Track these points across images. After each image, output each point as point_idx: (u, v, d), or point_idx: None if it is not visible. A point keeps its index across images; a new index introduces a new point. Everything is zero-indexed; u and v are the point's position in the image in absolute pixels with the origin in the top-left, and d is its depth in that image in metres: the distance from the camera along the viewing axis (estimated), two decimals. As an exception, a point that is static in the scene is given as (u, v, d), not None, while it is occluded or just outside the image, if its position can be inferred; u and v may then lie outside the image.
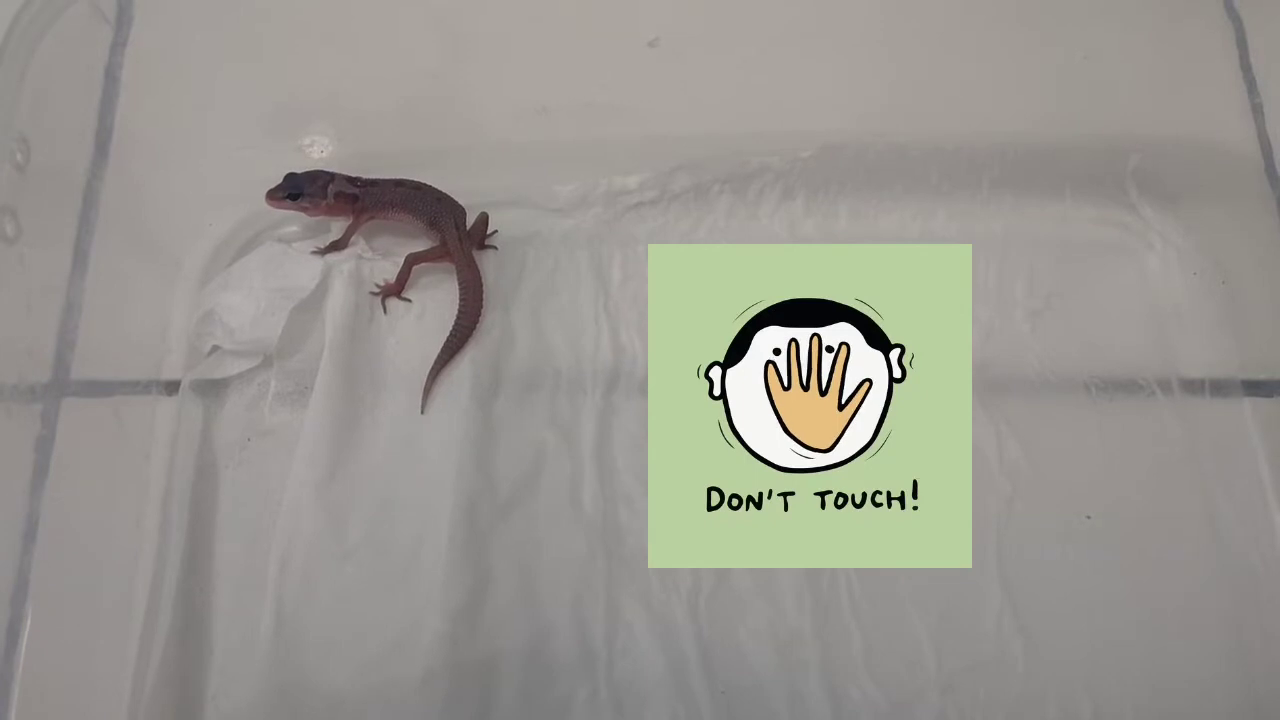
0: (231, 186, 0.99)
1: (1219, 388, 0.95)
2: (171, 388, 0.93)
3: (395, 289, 0.96)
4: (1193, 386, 0.95)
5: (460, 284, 0.94)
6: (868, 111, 1.01)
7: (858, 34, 1.05)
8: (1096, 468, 0.92)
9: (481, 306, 0.94)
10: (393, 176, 0.96)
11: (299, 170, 0.96)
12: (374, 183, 0.96)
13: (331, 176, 0.95)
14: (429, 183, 0.97)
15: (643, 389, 0.93)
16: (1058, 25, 1.05)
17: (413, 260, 0.95)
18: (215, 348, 0.94)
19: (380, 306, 0.96)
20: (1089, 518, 0.90)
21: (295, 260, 0.96)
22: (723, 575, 0.87)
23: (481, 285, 0.94)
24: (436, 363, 0.93)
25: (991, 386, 0.94)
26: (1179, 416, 0.93)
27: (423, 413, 0.92)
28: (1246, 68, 1.03)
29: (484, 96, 1.02)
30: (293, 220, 0.99)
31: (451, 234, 0.94)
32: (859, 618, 0.86)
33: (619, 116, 1.01)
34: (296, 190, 0.94)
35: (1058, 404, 0.94)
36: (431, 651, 0.83)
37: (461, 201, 0.97)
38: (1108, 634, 0.86)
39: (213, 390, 0.93)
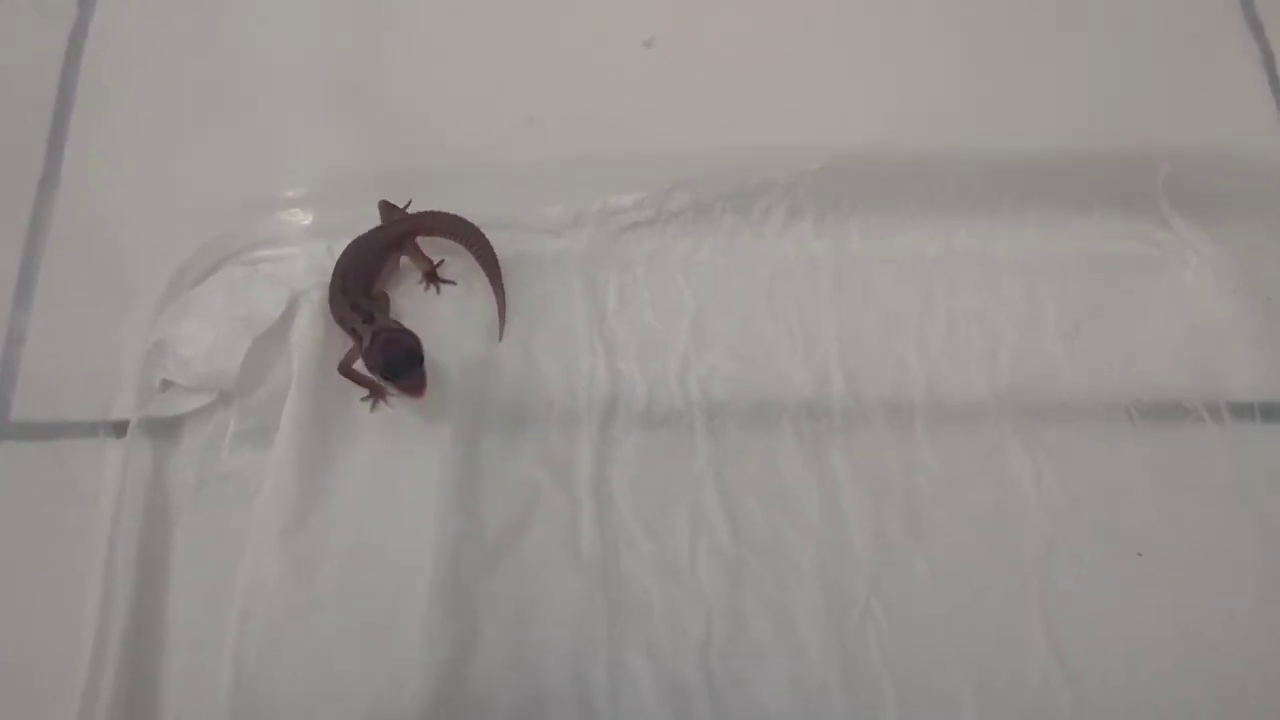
0: (192, 210, 0.96)
1: (1270, 412, 0.91)
2: (121, 429, 0.88)
3: (431, 273, 0.94)
4: (1242, 411, 0.91)
5: (461, 242, 0.94)
6: (880, 122, 0.98)
7: (868, 39, 1.04)
8: (1144, 500, 0.87)
9: (486, 239, 0.94)
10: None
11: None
12: (345, 275, 0.90)
13: (351, 325, 0.88)
14: (400, 206, 0.96)
15: (643, 420, 0.90)
16: (1080, 33, 1.04)
17: (422, 259, 0.94)
18: (167, 382, 0.89)
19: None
20: (1140, 555, 0.85)
21: (259, 286, 0.91)
22: (739, 623, 0.82)
23: (472, 225, 0.94)
24: (497, 295, 0.92)
25: (1025, 413, 0.90)
26: (1230, 444, 0.89)
27: (500, 340, 0.92)
28: (1273, 76, 1.02)
29: (469, 107, 1.00)
30: (258, 245, 0.95)
31: (405, 223, 0.94)
32: (890, 667, 0.81)
33: (612, 129, 0.99)
34: (402, 362, 0.84)
35: (1098, 432, 0.90)
36: (414, 715, 0.78)
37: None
38: (1165, 685, 0.81)
39: (164, 430, 0.88)
